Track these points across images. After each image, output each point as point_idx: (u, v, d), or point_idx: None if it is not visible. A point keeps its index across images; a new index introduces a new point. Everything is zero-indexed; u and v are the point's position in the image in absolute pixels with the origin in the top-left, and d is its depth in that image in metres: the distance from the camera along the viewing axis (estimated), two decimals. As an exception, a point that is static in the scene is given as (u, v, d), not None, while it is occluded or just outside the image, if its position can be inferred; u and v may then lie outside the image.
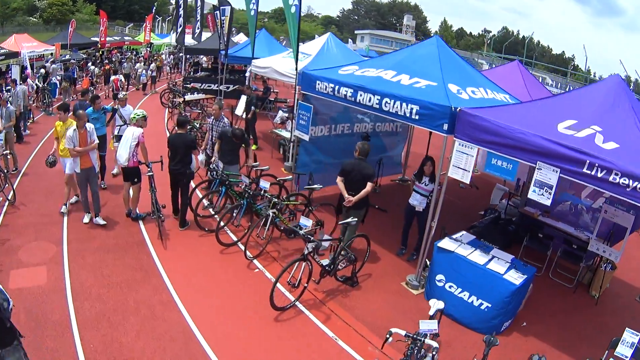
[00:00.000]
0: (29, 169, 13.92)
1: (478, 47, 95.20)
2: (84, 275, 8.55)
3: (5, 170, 12.61)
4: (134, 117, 10.10)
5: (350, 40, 53.85)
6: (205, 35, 31.18)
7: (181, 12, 29.02)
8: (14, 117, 13.69)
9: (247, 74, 23.63)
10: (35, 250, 9.18)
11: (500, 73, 13.41)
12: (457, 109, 7.71)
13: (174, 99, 22.93)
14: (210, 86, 25.36)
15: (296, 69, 12.99)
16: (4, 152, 12.50)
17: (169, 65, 40.68)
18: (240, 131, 10.20)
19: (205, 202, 10.49)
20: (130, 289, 8.28)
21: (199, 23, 28.62)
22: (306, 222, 8.07)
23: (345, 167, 8.92)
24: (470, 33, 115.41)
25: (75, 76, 27.19)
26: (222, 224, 9.84)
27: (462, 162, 7.79)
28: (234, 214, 10.10)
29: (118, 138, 11.22)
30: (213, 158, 10.63)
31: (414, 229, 9.95)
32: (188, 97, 22.15)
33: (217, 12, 21.56)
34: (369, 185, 8.66)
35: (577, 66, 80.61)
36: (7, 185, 11.13)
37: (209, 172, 10.71)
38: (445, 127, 7.85)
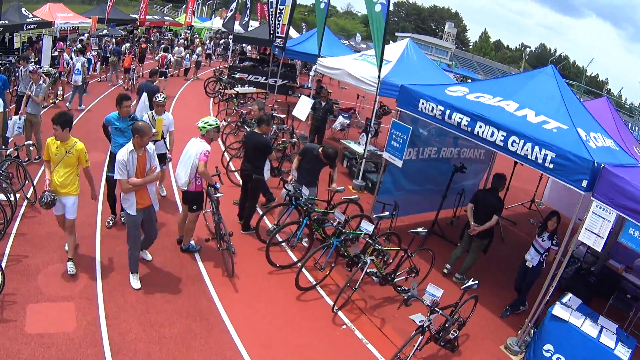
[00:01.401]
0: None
1: (514, 61, 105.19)
2: (126, 321, 7.51)
3: (27, 159, 12.28)
4: (203, 127, 8.91)
5: (391, 42, 55.12)
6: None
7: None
8: (44, 94, 13.26)
9: (312, 73, 23.25)
10: (61, 277, 8.22)
11: (589, 108, 12.67)
12: (601, 166, 7.56)
13: (222, 90, 23.07)
14: (257, 78, 25.76)
15: (379, 77, 13.05)
16: (26, 143, 11.70)
17: (211, 51, 40.46)
18: (333, 151, 9.87)
19: (268, 222, 10.55)
20: (188, 347, 7.25)
21: (248, 11, 29.94)
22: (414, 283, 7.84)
23: (478, 195, 10.37)
24: (508, 46, 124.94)
25: (108, 54, 27.18)
26: (304, 270, 9.49)
27: (597, 226, 7.57)
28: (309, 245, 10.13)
29: None
30: (290, 177, 10.32)
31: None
32: (240, 89, 22.03)
33: (272, 1, 21.88)
34: (494, 218, 9.81)
35: (610, 90, 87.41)
36: (26, 181, 10.62)
37: (285, 195, 10.13)
38: (585, 184, 7.70)
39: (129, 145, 7.55)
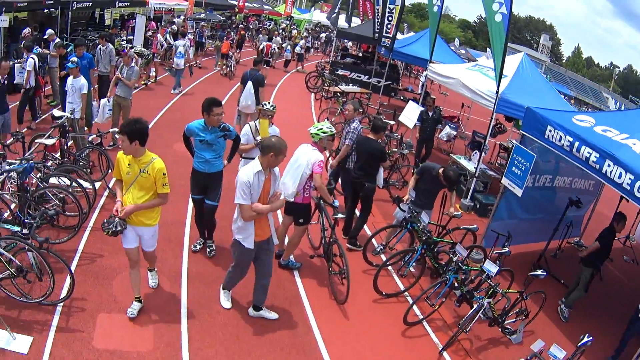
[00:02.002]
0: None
1: (604, 80, 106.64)
2: (212, 346, 6.82)
3: (112, 143, 12.29)
4: (317, 135, 8.41)
5: (488, 49, 55.03)
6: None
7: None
8: (137, 77, 13.17)
9: (423, 79, 22.64)
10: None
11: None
12: None
13: (324, 87, 22.83)
14: (359, 77, 25.63)
15: (497, 93, 12.85)
16: (111, 130, 11.44)
17: (309, 44, 40.34)
18: (454, 173, 9.47)
19: (374, 242, 10.21)
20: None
21: (350, 6, 30.05)
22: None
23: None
24: (598, 64, 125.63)
25: (204, 40, 27.90)
26: (415, 309, 8.74)
27: None
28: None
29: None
30: (407, 197, 9.88)
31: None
32: (344, 87, 21.78)
33: None
34: (596, 244, 9.69)
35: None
36: (109, 171, 10.32)
37: (399, 217, 9.91)
38: None
39: (255, 165, 6.47)
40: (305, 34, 43.34)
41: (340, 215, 8.60)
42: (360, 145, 10.22)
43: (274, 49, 27.60)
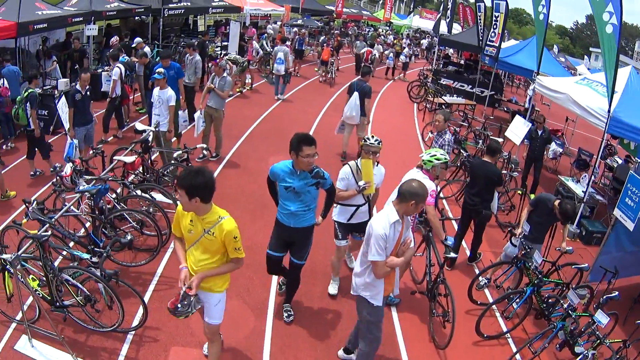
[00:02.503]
0: (237, 156, 13.62)
1: None
2: None
3: (202, 156, 12.22)
4: (429, 162, 7.95)
5: (585, 57, 53.45)
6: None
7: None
8: (229, 88, 12.83)
9: (531, 93, 21.71)
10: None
11: None
12: None
13: (428, 97, 22.27)
14: (462, 86, 24.96)
15: (608, 112, 12.18)
16: (199, 146, 11.19)
17: (412, 52, 39.76)
18: (571, 207, 8.93)
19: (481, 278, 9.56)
20: None
21: (450, 12, 29.81)
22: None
23: None
24: None
25: (303, 48, 27.35)
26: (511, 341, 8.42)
27: None
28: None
29: None
30: (519, 231, 9.27)
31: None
32: (448, 98, 21.16)
33: (480, 4, 22.36)
34: None
35: None
36: None
37: (510, 252, 9.40)
38: None
39: (391, 214, 5.67)
40: (405, 40, 42.69)
41: (452, 255, 8.13)
42: (476, 169, 9.88)
43: (374, 55, 27.25)
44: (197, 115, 12.35)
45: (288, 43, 25.03)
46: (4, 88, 12.81)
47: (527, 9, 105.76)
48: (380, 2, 59.27)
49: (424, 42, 45.05)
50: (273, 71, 19.80)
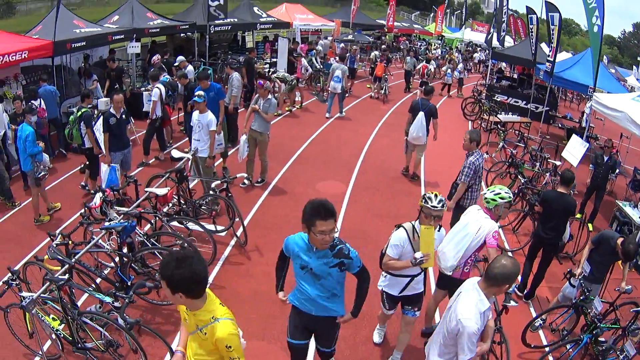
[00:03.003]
0: (283, 182, 12.75)
1: None
2: None
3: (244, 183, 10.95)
4: (493, 200, 7.18)
5: (634, 67, 51.54)
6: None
7: (505, 9, 28.70)
8: (274, 111, 12.10)
9: (587, 111, 20.06)
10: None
11: None
12: None
13: (483, 116, 21.08)
14: (517, 102, 23.68)
15: None
16: (238, 176, 10.59)
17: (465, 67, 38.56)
18: (634, 247, 8.29)
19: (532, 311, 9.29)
20: None
21: (504, 25, 28.63)
22: None
23: None
24: None
25: (355, 67, 26.31)
26: None
27: None
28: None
29: None
30: (579, 271, 8.88)
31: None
32: (503, 116, 19.86)
33: (532, 16, 21.65)
34: None
35: None
36: (235, 219, 9.50)
37: (568, 295, 8.84)
38: None
39: (481, 301, 4.85)
40: (457, 54, 41.48)
41: (512, 304, 7.18)
42: (553, 202, 9.28)
43: (430, 69, 26.36)
44: (242, 139, 11.53)
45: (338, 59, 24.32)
46: (41, 109, 12.36)
47: (576, 19, 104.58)
48: (432, 15, 58.16)
49: (477, 56, 43.80)
50: (329, 89, 18.94)
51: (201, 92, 10.15)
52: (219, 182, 9.15)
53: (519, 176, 12.90)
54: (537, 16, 20.96)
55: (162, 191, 8.30)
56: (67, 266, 6.22)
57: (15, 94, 13.09)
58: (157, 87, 12.57)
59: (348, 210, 11.10)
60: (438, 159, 11.88)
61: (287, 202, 11.34)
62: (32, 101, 12.38)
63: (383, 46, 33.88)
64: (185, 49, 22.56)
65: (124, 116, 10.41)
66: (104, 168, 10.18)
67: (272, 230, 9.96)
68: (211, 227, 9.30)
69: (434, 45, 46.34)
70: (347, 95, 21.93)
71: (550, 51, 19.82)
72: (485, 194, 7.30)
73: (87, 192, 11.03)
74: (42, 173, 9.93)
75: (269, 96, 11.59)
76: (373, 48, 31.72)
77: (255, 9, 26.05)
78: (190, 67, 15.52)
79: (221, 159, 12.51)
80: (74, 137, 11.28)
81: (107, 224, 7.32)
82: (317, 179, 12.45)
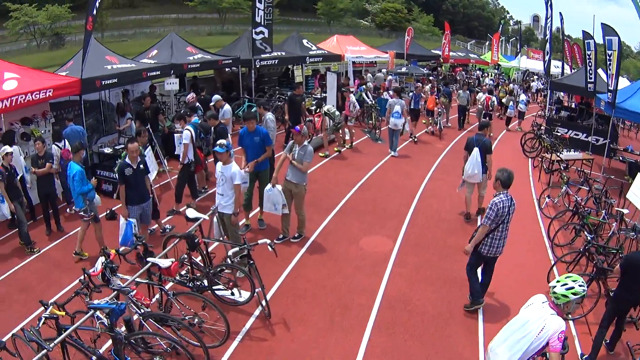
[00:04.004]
0: (324, 237, 11.26)
1: None
2: None
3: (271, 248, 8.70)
4: (564, 296, 5.96)
5: None
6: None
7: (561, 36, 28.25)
8: (310, 160, 10.53)
9: None
10: None
11: None
12: None
13: (543, 153, 18.79)
14: (577, 135, 22.04)
15: None
16: (260, 242, 8.32)
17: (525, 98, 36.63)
18: None
19: None
20: None
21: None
22: None
23: None
24: None
25: (419, 107, 23.94)
26: None
27: None
28: None
29: None
30: None
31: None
32: (565, 155, 17.66)
33: (589, 41, 20.09)
34: None
35: None
36: (257, 289, 8.16)
37: None
38: None
39: None
40: (512, 85, 39.48)
41: None
42: (636, 263, 8.11)
43: (494, 101, 24.47)
44: (266, 189, 10.25)
45: (391, 93, 22.76)
46: (65, 150, 11.54)
47: (627, 41, 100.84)
48: (487, 43, 56.36)
49: (534, 85, 41.66)
50: (390, 126, 17.45)
51: (223, 141, 8.88)
52: (237, 249, 7.80)
53: (585, 231, 10.89)
54: (594, 41, 19.38)
55: (165, 262, 7.06)
56: (44, 351, 5.53)
57: (44, 132, 12.42)
58: (186, 129, 11.47)
59: (393, 273, 9.58)
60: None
61: (325, 263, 9.92)
62: (56, 143, 11.66)
63: (431, 77, 32.23)
64: (235, 83, 21.68)
65: (141, 166, 9.31)
66: (121, 222, 9.16)
67: (303, 299, 8.62)
68: (228, 293, 8.18)
69: (491, 74, 44.51)
70: (414, 139, 20.40)
71: (609, 79, 18.10)
72: (554, 287, 6.06)
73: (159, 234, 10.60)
74: (92, 213, 9.70)
75: (305, 142, 10.26)
76: (428, 80, 30.19)
77: (305, 41, 25.13)
78: (227, 107, 14.34)
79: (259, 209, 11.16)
80: None
81: (96, 302, 6.39)
82: (362, 233, 11.03)
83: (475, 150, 12.20)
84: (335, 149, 17.45)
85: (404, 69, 31.52)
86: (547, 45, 28.77)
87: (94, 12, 12.68)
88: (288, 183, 10.22)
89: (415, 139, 20.13)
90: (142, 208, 9.40)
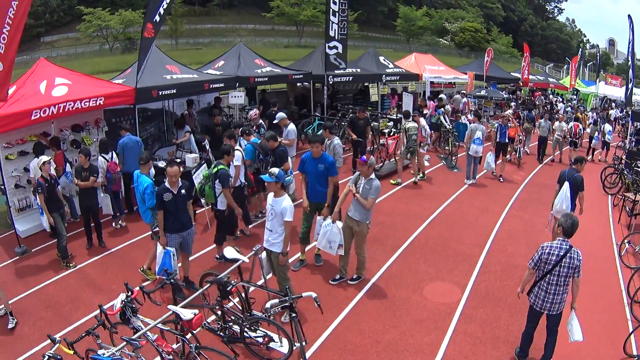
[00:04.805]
0: (385, 279, 9.77)
1: None
2: None
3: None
4: None
5: None
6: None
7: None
8: (376, 195, 8.99)
9: None
10: None
11: None
12: None
13: (625, 191, 16.26)
14: None
15: None
16: (307, 294, 7.01)
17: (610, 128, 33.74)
18: None
19: None
20: None
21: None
22: None
23: None
24: None
25: (506, 140, 21.21)
26: None
27: None
28: None
29: None
30: None
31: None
32: None
33: None
34: None
35: None
36: (301, 344, 6.95)
37: None
38: None
39: None
40: (590, 113, 36.77)
41: None
42: None
43: (581, 129, 22.25)
44: (324, 223, 8.91)
45: (470, 117, 20.94)
46: (112, 163, 10.84)
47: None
48: (565, 67, 53.36)
49: (612, 113, 38.50)
50: (470, 152, 15.82)
51: (274, 170, 7.54)
52: (276, 301, 6.59)
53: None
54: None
55: (186, 314, 5.87)
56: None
57: (96, 140, 11.77)
58: (237, 150, 10.34)
59: (457, 331, 8.06)
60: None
61: (382, 312, 8.51)
62: (103, 155, 10.86)
63: (512, 103, 29.96)
64: (308, 99, 20.51)
65: (183, 191, 8.22)
66: (159, 250, 8.15)
67: (352, 356, 7.33)
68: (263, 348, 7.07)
69: (567, 100, 41.60)
70: (499, 179, 17.75)
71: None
72: None
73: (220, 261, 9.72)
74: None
75: (372, 175, 8.77)
76: (508, 106, 28.13)
77: (382, 58, 23.66)
78: (291, 127, 12.80)
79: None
80: (207, 195, 9.79)
81: (100, 352, 5.77)
82: (428, 278, 9.56)
83: (566, 184, 11.25)
84: (413, 180, 15.55)
85: (483, 92, 29.41)
86: (630, 72, 26.43)
87: (155, 19, 11.88)
88: (350, 220, 8.82)
89: (501, 179, 17.04)
90: (182, 237, 8.34)
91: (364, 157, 8.73)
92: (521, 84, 36.10)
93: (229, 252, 7.29)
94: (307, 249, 9.93)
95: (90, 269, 9.71)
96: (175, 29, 63.42)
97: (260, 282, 8.03)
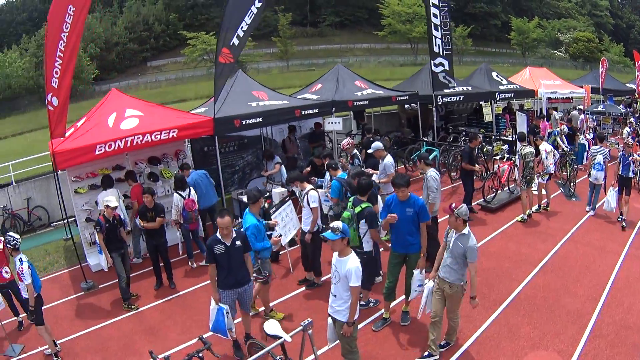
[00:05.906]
0: (478, 346, 7.55)
1: None
2: None
3: None
4: None
5: None
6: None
7: None
8: (473, 260, 6.78)
9: None
10: None
11: None
12: None
13: None
14: None
15: None
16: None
17: None
18: None
19: None
20: None
21: None
22: None
23: None
24: None
25: (632, 175, 16.44)
26: None
27: None
28: None
29: None
30: None
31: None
32: None
33: None
34: None
35: None
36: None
37: None
38: None
39: None
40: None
41: None
42: None
43: None
44: (416, 272, 7.13)
45: (589, 137, 17.66)
46: (190, 200, 9.45)
47: None
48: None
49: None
50: (590, 179, 12.77)
51: (338, 225, 5.72)
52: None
53: None
54: None
55: None
56: None
57: (175, 173, 10.45)
58: (312, 190, 8.56)
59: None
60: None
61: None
62: (179, 192, 9.50)
63: (632, 118, 25.44)
64: (418, 119, 17.94)
65: (237, 242, 6.55)
66: (212, 306, 6.65)
67: None
68: None
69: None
70: (622, 224, 14.18)
71: None
72: None
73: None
74: (267, 273, 7.80)
75: (466, 230, 6.56)
76: (625, 122, 23.99)
77: (495, 74, 20.74)
78: (388, 160, 10.35)
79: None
80: (351, 238, 7.63)
81: None
82: (530, 344, 7.21)
83: None
84: (519, 219, 12.39)
85: (600, 107, 25.33)
86: None
87: (232, 42, 10.40)
88: (441, 281, 6.75)
89: (624, 224, 12.38)
90: (237, 293, 6.74)
91: (454, 204, 6.58)
92: (637, 95, 31.21)
93: (271, 326, 5.61)
94: (393, 304, 7.89)
95: (151, 313, 8.60)
96: (285, 50, 62.84)
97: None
